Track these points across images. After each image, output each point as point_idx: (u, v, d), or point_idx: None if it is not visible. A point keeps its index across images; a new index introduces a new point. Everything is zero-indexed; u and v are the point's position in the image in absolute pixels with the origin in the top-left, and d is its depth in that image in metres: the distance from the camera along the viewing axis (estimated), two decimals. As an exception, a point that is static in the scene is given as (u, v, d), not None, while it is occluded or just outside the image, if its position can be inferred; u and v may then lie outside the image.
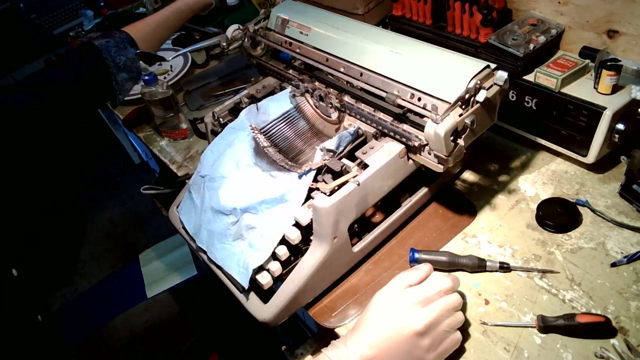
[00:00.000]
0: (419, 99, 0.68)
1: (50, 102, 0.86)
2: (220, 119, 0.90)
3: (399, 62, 0.72)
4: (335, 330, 0.69)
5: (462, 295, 0.68)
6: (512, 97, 0.83)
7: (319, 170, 0.71)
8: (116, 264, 2.26)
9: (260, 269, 0.69)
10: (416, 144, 0.66)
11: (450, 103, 0.63)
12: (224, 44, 0.94)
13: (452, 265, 0.70)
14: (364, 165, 0.69)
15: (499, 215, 0.78)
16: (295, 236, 0.68)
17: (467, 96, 0.63)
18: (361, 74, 0.76)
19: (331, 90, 0.80)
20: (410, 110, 0.70)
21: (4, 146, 0.80)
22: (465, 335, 0.64)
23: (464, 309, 0.66)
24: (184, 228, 0.83)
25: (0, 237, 0.76)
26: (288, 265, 0.71)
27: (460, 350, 0.62)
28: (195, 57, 1.38)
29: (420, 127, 0.67)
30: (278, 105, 0.86)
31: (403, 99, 0.70)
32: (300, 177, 0.70)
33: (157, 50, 1.08)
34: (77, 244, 2.34)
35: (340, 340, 0.59)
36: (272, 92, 0.92)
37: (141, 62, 1.33)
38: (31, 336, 0.87)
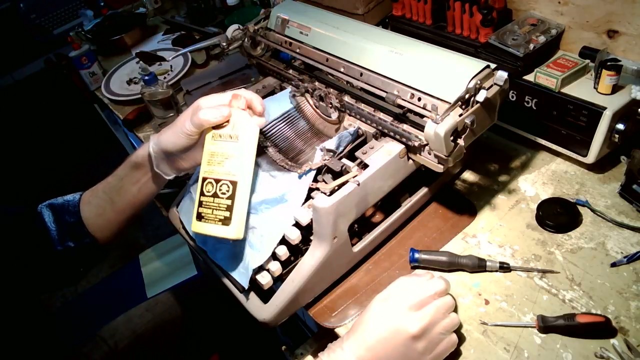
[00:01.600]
0: (419, 99, 0.68)
1: None
2: (220, 119, 0.89)
3: (399, 62, 0.72)
4: (335, 330, 0.69)
5: (461, 296, 0.68)
6: (512, 97, 0.83)
7: (319, 170, 0.70)
8: (116, 264, 2.26)
9: (260, 269, 0.69)
10: (416, 144, 0.66)
11: (450, 103, 0.63)
12: (224, 44, 0.94)
13: (452, 265, 0.70)
14: (364, 165, 0.69)
15: (499, 215, 0.78)
16: (295, 236, 0.68)
17: (467, 96, 0.63)
18: (361, 74, 0.76)
19: (331, 90, 0.80)
20: (410, 110, 0.70)
21: None
22: (465, 335, 0.64)
23: (463, 309, 0.66)
24: (184, 228, 0.83)
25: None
26: (288, 265, 0.71)
27: (460, 350, 0.62)
28: (195, 57, 1.38)
29: (420, 127, 0.67)
30: (278, 105, 0.86)
31: (403, 99, 0.70)
32: (300, 177, 0.70)
33: (112, 221, 0.80)
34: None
35: (337, 343, 0.59)
36: (272, 92, 0.92)
37: (141, 62, 1.34)
38: (31, 336, 0.87)
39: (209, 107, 0.66)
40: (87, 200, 0.78)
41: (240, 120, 0.65)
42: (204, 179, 0.66)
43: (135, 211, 0.80)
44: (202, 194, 0.66)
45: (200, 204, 0.66)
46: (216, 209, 0.64)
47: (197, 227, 0.66)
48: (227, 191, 0.64)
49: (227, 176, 0.64)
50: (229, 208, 0.63)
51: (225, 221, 0.63)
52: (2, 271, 0.73)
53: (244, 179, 0.64)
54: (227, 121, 0.66)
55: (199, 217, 0.66)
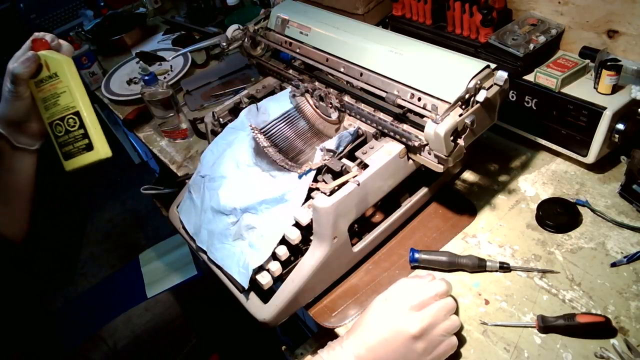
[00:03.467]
0: (419, 99, 0.68)
1: None
2: (220, 119, 0.90)
3: (399, 62, 0.72)
4: (335, 330, 0.69)
5: (461, 296, 0.68)
6: (512, 97, 0.83)
7: (319, 170, 0.71)
8: (116, 264, 2.26)
9: (260, 269, 0.69)
10: (416, 144, 0.66)
11: (450, 103, 0.63)
12: (224, 44, 0.94)
13: (452, 265, 0.70)
14: (364, 165, 0.69)
15: (499, 215, 0.78)
16: (295, 236, 0.68)
17: (467, 96, 0.63)
18: (361, 74, 0.76)
19: (331, 90, 0.80)
20: (410, 110, 0.70)
21: None
22: (465, 335, 0.64)
23: (463, 309, 0.66)
24: (184, 228, 0.83)
25: None
26: (288, 265, 0.71)
27: (460, 350, 0.62)
28: (195, 57, 1.38)
29: (420, 127, 0.67)
30: (278, 105, 0.86)
31: (403, 99, 0.70)
32: (300, 177, 0.70)
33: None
34: (77, 244, 2.34)
35: (337, 341, 0.60)
36: (272, 92, 0.92)
37: (141, 62, 1.34)
38: (31, 336, 0.87)
39: (18, 62, 0.68)
40: None
41: (50, 58, 0.69)
42: (51, 124, 0.70)
43: (27, 197, 0.80)
44: (56, 137, 0.70)
45: (60, 145, 0.70)
46: (75, 142, 0.69)
47: (69, 165, 0.70)
48: (75, 123, 0.68)
49: (67, 111, 0.69)
50: (85, 135, 0.68)
51: (89, 147, 0.69)
52: None
53: (82, 104, 0.68)
54: (40, 66, 0.69)
55: (66, 156, 0.70)
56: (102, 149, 0.69)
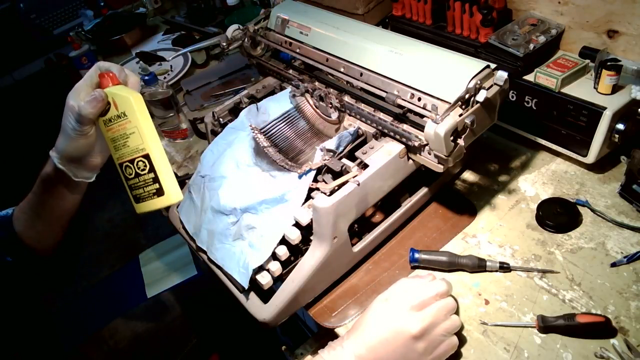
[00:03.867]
0: (419, 99, 0.68)
1: None
2: (220, 119, 0.90)
3: (399, 62, 0.72)
4: (335, 330, 0.69)
5: (461, 296, 0.68)
6: (512, 97, 0.83)
7: (319, 170, 0.71)
8: (116, 264, 2.26)
9: (260, 269, 0.69)
10: (416, 144, 0.66)
11: (450, 103, 0.63)
12: (224, 44, 0.94)
13: (452, 265, 0.70)
14: (364, 165, 0.69)
15: (499, 215, 0.78)
16: (295, 236, 0.68)
17: (467, 96, 0.63)
18: (361, 74, 0.76)
19: (331, 90, 0.80)
20: (410, 110, 0.70)
21: None
22: (466, 335, 0.64)
23: (463, 309, 0.66)
24: (184, 228, 0.83)
25: None
26: (288, 265, 0.71)
27: (461, 350, 0.62)
28: (195, 57, 1.38)
29: (420, 127, 0.67)
30: (278, 105, 0.86)
31: (403, 99, 0.70)
32: (300, 177, 0.70)
33: (46, 224, 0.78)
34: (77, 244, 2.33)
35: (337, 341, 0.60)
36: (272, 92, 0.92)
37: (141, 62, 1.34)
38: (31, 336, 0.87)
39: (85, 100, 0.62)
40: (17, 216, 0.77)
41: (118, 96, 0.64)
42: (121, 165, 0.66)
43: (68, 218, 0.78)
44: (127, 179, 0.66)
45: (131, 188, 0.66)
46: (146, 186, 0.65)
47: (140, 209, 0.67)
48: (145, 166, 0.64)
49: (137, 153, 0.64)
50: (156, 179, 0.64)
51: (159, 192, 0.64)
52: None
53: (152, 147, 0.64)
54: (108, 104, 0.64)
55: (137, 200, 0.66)
56: (173, 194, 0.64)
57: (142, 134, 0.63)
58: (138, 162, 0.64)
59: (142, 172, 0.64)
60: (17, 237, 0.76)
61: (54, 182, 0.71)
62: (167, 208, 0.90)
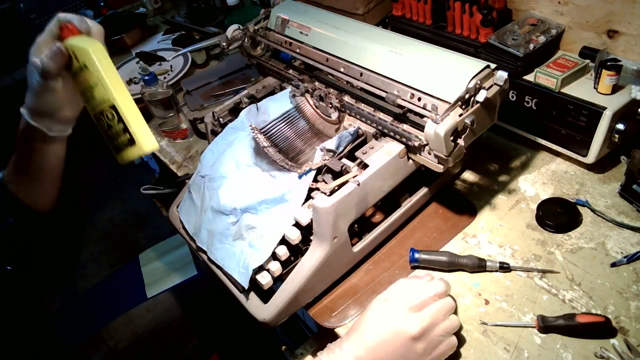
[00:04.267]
0: (419, 99, 0.68)
1: None
2: (220, 119, 0.90)
3: (399, 62, 0.72)
4: (335, 330, 0.69)
5: (461, 296, 0.68)
6: (512, 97, 0.83)
7: (319, 170, 0.70)
8: (116, 264, 2.26)
9: (260, 269, 0.69)
10: (416, 144, 0.66)
11: (450, 103, 0.63)
12: (224, 44, 0.94)
13: (452, 265, 0.70)
14: (364, 165, 0.69)
15: (499, 215, 0.78)
16: (295, 236, 0.68)
17: (467, 96, 0.63)
18: (361, 74, 0.76)
19: (331, 90, 0.80)
20: (410, 110, 0.70)
21: None
22: (465, 335, 0.64)
23: (463, 309, 0.66)
24: (184, 228, 0.83)
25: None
26: (288, 265, 0.71)
27: (460, 350, 0.62)
28: (195, 57, 1.38)
29: (420, 127, 0.67)
30: (278, 105, 0.86)
31: (403, 99, 0.70)
32: (300, 177, 0.70)
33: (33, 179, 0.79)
34: (77, 244, 2.34)
35: (336, 343, 0.59)
36: (272, 92, 0.92)
37: (141, 62, 1.34)
38: (31, 336, 0.87)
39: (45, 55, 0.61)
40: (8, 179, 0.77)
41: (77, 48, 0.62)
42: (95, 117, 0.64)
43: (57, 173, 0.78)
44: (103, 131, 0.64)
45: (108, 139, 0.64)
46: (118, 137, 0.63)
47: (120, 159, 0.64)
48: (113, 117, 0.62)
49: (104, 104, 0.62)
50: (126, 129, 0.61)
51: (131, 142, 0.62)
52: None
53: (117, 97, 0.61)
54: (71, 58, 0.62)
55: (115, 150, 0.64)
56: (145, 144, 0.61)
57: (104, 84, 0.61)
58: (107, 113, 0.62)
59: (112, 123, 0.62)
60: (14, 198, 0.76)
61: (30, 139, 0.70)
62: (167, 208, 0.90)
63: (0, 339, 0.80)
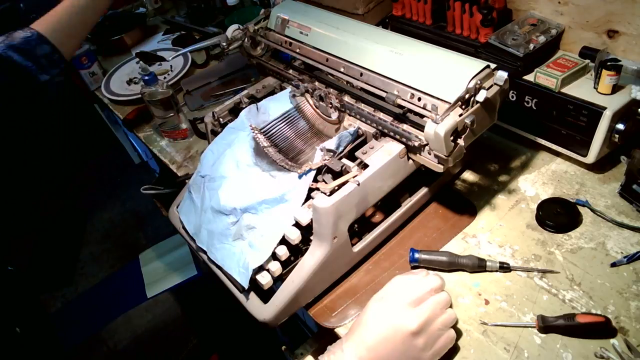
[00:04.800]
0: (419, 99, 0.68)
1: None
2: (220, 119, 0.90)
3: (399, 62, 0.72)
4: (335, 330, 0.69)
5: (461, 296, 0.68)
6: (512, 97, 0.83)
7: (319, 170, 0.71)
8: (116, 264, 2.26)
9: (260, 269, 0.69)
10: (416, 144, 0.66)
11: (450, 103, 0.63)
12: (224, 44, 0.94)
13: (452, 265, 0.70)
14: (364, 165, 0.69)
15: (499, 215, 0.78)
16: (295, 236, 0.68)
17: (467, 96, 0.63)
18: (361, 74, 0.76)
19: (331, 90, 0.80)
20: (410, 110, 0.70)
21: None
22: (465, 335, 0.64)
23: (463, 309, 0.66)
24: (184, 228, 0.83)
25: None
26: (288, 265, 0.71)
27: (460, 350, 0.62)
28: (195, 57, 1.38)
29: (420, 127, 0.67)
30: (278, 105, 0.86)
31: (403, 99, 0.70)
32: (300, 177, 0.70)
33: (80, 39, 0.97)
34: (77, 244, 2.34)
35: (336, 345, 0.59)
36: (272, 92, 0.92)
37: (141, 62, 1.34)
38: (31, 336, 0.87)
39: None
40: (53, 28, 0.88)
41: None
42: None
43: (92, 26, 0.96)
44: None
45: None
46: None
47: None
48: None
49: None
50: None
51: None
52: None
53: None
54: None
55: None
56: None
57: None
58: None
59: None
60: (57, 50, 0.88)
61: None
62: (167, 208, 0.90)
63: (0, 339, 0.80)
